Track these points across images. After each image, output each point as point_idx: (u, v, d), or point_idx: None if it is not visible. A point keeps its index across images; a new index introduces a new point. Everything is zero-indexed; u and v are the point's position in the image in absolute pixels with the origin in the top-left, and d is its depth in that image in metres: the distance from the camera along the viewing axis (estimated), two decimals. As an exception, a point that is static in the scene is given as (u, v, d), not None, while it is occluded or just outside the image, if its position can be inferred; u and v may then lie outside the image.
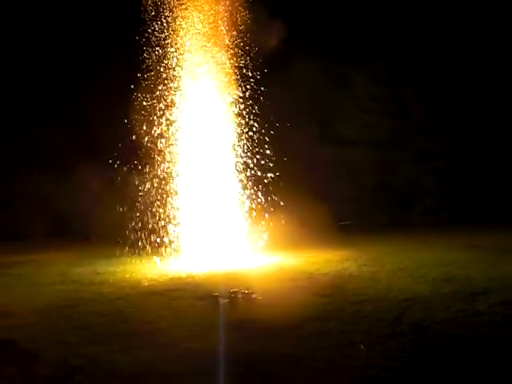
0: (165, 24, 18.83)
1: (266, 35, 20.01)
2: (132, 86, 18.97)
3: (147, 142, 19.23)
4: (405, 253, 17.43)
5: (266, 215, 19.34)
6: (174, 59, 18.76)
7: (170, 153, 18.88)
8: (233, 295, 11.29)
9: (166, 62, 18.84)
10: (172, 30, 18.84)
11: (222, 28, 18.83)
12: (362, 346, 7.98)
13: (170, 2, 18.75)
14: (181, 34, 18.78)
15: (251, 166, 19.30)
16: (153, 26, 18.75)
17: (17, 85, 27.42)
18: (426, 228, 24.15)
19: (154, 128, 18.91)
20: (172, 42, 18.82)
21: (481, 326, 8.87)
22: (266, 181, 19.89)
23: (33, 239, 25.38)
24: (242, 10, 18.97)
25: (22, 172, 27.25)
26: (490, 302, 10.33)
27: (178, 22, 18.77)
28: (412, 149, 27.35)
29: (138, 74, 18.70)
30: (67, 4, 26.26)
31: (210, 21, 18.78)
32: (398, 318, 9.45)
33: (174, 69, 18.84)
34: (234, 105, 19.04)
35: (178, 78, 18.87)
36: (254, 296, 11.22)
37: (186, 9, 18.71)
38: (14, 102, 27.52)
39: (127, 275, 15.44)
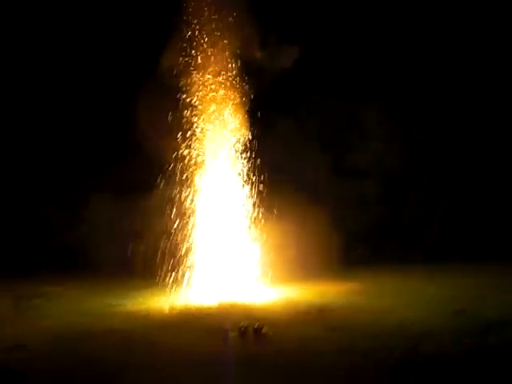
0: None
1: (278, 66, 20.10)
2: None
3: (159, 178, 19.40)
4: (415, 285, 17.31)
5: (276, 247, 19.26)
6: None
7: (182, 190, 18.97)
8: (243, 329, 11.25)
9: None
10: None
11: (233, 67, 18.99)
12: None
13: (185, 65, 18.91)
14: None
15: (262, 195, 19.31)
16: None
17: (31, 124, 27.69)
18: (436, 261, 23.96)
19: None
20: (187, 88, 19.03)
21: (494, 359, 8.78)
22: (276, 212, 19.89)
23: (45, 272, 25.39)
24: (253, 41, 19.10)
25: (34, 204, 27.35)
26: (503, 335, 10.23)
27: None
28: (421, 182, 27.32)
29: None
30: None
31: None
32: (411, 352, 9.37)
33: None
34: (244, 142, 19.13)
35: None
36: (264, 330, 11.16)
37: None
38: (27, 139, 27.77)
39: (138, 308, 15.44)
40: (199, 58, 18.83)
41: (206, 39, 18.81)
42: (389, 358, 9.14)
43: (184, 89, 18.82)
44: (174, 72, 18.62)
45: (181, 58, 18.65)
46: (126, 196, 25.02)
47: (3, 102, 26.42)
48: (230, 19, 18.61)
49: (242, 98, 18.91)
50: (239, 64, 18.89)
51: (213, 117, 18.93)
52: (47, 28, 25.91)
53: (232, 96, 18.89)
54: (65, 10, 25.94)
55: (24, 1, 26.16)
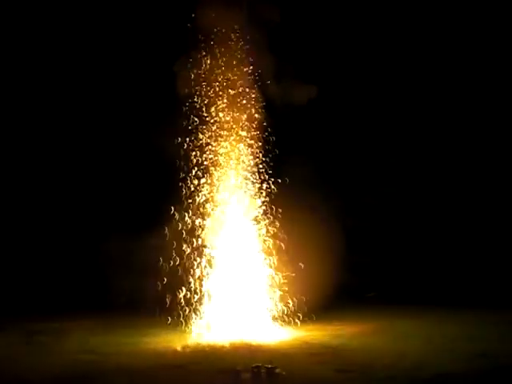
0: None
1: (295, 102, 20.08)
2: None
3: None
4: (434, 326, 16.92)
5: (290, 287, 18.98)
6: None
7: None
8: (255, 369, 10.98)
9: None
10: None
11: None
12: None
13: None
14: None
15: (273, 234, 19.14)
16: None
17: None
18: (454, 301, 23.56)
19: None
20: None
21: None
22: (288, 251, 19.66)
23: (55, 306, 25.29)
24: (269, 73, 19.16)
25: (49, 239, 27.36)
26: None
27: None
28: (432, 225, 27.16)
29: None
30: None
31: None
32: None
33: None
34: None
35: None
36: (277, 371, 10.88)
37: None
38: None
39: (148, 346, 15.19)
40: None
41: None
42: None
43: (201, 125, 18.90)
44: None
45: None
46: (139, 232, 24.99)
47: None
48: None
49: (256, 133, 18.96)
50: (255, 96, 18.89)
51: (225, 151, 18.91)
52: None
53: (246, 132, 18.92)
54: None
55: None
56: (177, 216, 19.47)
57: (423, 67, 26.68)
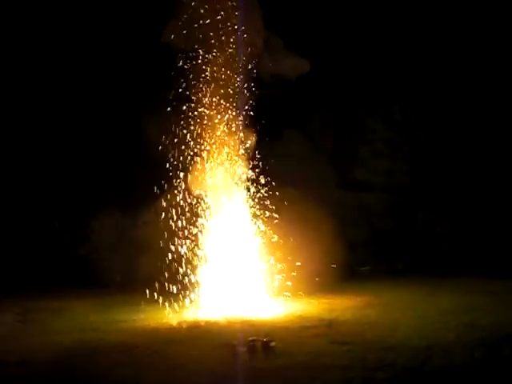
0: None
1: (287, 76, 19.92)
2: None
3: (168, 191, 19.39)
4: (424, 299, 17.19)
5: (283, 263, 19.18)
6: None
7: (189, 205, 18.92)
8: (251, 343, 11.15)
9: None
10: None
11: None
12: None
13: None
14: None
15: (268, 208, 19.26)
16: None
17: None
18: (445, 273, 23.84)
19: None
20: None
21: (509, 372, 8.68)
22: (283, 226, 19.82)
23: (51, 286, 25.39)
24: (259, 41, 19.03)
25: (41, 218, 27.38)
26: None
27: None
28: (429, 192, 27.23)
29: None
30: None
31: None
32: (421, 366, 9.27)
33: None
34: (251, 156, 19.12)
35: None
36: (272, 344, 11.06)
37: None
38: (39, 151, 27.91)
39: (146, 323, 15.37)
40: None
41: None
42: (399, 372, 9.04)
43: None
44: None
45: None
46: (132, 210, 25.07)
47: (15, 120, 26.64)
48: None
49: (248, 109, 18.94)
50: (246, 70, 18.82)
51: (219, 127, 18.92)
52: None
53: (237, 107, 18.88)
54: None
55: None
56: (170, 191, 19.60)
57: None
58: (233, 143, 18.96)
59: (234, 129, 18.94)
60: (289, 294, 18.54)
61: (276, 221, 19.40)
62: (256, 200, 19.02)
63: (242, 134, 19.05)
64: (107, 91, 25.93)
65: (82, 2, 26.19)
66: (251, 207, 18.91)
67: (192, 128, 18.86)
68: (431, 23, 27.03)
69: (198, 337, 12.96)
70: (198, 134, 18.89)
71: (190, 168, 18.81)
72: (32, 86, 26.45)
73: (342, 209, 27.18)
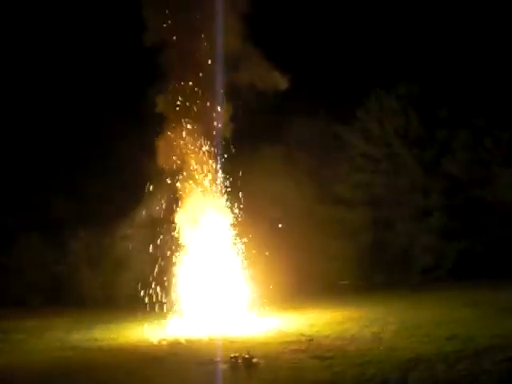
0: None
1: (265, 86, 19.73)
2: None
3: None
4: (405, 312, 17.22)
5: (265, 277, 19.15)
6: None
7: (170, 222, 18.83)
8: (233, 360, 11.10)
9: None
10: None
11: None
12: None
13: None
14: None
15: (248, 222, 19.24)
16: None
17: (23, 152, 27.84)
18: (425, 286, 23.98)
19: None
20: None
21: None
22: (263, 242, 19.84)
23: (30, 304, 25.15)
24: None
25: (20, 237, 27.15)
26: (496, 359, 10.16)
27: None
28: (408, 206, 27.37)
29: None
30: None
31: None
32: (403, 380, 9.27)
33: None
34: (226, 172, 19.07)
35: None
36: (254, 361, 11.01)
37: None
38: (19, 168, 27.83)
39: (125, 341, 15.23)
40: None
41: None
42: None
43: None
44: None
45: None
46: (109, 226, 24.95)
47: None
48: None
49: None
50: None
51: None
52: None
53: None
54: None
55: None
56: (146, 204, 19.54)
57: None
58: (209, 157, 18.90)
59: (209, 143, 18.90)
60: (268, 309, 18.50)
61: (253, 236, 19.38)
62: (234, 215, 18.95)
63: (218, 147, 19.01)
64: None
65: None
66: (230, 223, 18.85)
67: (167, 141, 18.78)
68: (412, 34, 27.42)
69: (179, 354, 12.86)
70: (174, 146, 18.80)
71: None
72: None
73: (322, 223, 27.29)
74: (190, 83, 18.63)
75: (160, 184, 18.98)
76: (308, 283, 22.33)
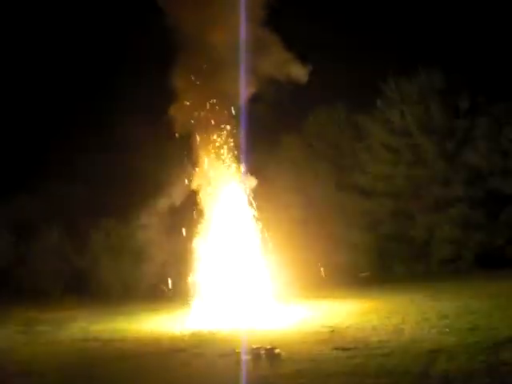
0: None
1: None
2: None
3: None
4: (426, 303, 17.20)
5: (285, 268, 19.18)
6: None
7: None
8: (255, 351, 11.17)
9: None
10: None
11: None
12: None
13: None
14: None
15: (269, 212, 19.20)
16: None
17: (40, 144, 28.14)
18: (446, 277, 23.90)
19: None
20: None
21: (508, 375, 8.73)
22: (283, 232, 19.84)
23: (52, 296, 25.43)
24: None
25: (41, 228, 27.46)
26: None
27: None
28: (428, 197, 27.25)
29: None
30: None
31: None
32: (425, 371, 9.31)
33: None
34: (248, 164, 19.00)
35: None
36: (276, 351, 11.08)
37: None
38: (37, 159, 28.16)
39: (149, 332, 15.38)
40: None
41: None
42: (403, 377, 9.08)
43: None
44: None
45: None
46: (129, 215, 25.05)
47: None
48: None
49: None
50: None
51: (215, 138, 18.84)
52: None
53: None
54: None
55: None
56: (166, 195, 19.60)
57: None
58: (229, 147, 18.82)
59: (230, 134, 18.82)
60: (289, 300, 18.56)
61: (275, 225, 19.40)
62: (255, 205, 18.93)
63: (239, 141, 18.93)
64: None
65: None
66: (251, 212, 18.82)
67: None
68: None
69: (201, 346, 12.96)
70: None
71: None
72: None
73: (343, 213, 27.29)
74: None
75: (181, 169, 18.89)
76: (328, 274, 22.31)
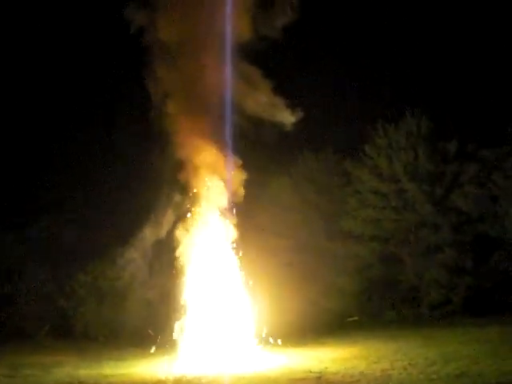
0: None
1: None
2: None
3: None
4: (415, 348, 17.07)
5: (272, 313, 18.99)
6: None
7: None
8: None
9: None
10: None
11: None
12: None
13: None
14: None
15: (257, 255, 19.11)
16: None
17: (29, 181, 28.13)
18: (435, 322, 23.79)
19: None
20: None
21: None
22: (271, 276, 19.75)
23: (37, 338, 25.06)
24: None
25: (27, 268, 27.21)
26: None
27: None
28: (417, 242, 27.30)
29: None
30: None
31: None
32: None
33: None
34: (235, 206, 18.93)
35: None
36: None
37: None
38: (23, 195, 28.07)
39: (133, 377, 15.17)
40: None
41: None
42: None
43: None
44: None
45: None
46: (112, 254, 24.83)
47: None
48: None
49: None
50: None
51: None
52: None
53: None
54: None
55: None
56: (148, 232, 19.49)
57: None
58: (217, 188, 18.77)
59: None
60: (276, 345, 18.35)
61: (262, 269, 19.30)
62: (241, 249, 18.80)
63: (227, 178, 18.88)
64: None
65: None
66: (236, 256, 18.70)
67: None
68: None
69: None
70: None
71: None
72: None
73: (331, 257, 27.24)
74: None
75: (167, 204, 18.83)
76: (316, 319, 22.18)
